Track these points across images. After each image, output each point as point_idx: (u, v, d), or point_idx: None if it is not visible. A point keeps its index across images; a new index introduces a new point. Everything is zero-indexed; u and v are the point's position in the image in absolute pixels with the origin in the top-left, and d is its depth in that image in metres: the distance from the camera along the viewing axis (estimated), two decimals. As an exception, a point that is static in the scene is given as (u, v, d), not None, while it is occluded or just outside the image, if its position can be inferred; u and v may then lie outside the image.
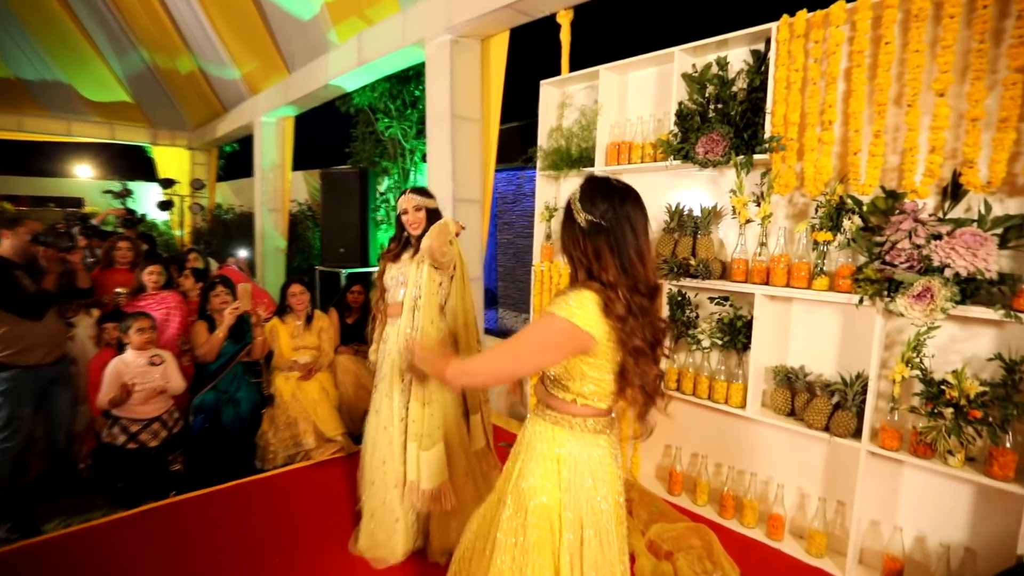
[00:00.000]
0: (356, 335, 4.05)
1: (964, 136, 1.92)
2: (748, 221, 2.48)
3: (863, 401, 2.17)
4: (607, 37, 3.78)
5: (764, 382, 2.57)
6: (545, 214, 3.46)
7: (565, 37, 3.38)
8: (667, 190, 2.91)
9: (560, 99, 3.41)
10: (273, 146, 6.49)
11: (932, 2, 1.96)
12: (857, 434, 2.19)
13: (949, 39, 1.92)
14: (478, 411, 2.36)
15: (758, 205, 2.42)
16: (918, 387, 2.07)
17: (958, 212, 2.01)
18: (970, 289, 1.90)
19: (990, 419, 1.87)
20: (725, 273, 2.63)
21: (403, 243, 2.41)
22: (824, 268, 2.26)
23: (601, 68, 3.03)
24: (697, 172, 2.79)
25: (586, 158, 3.15)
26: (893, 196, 2.10)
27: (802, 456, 2.48)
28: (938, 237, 1.96)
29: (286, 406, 3.37)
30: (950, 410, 1.94)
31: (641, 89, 3.04)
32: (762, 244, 2.44)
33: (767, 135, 2.37)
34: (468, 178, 3.85)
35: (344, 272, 5.28)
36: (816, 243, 2.26)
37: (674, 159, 2.69)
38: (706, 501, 2.72)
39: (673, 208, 2.79)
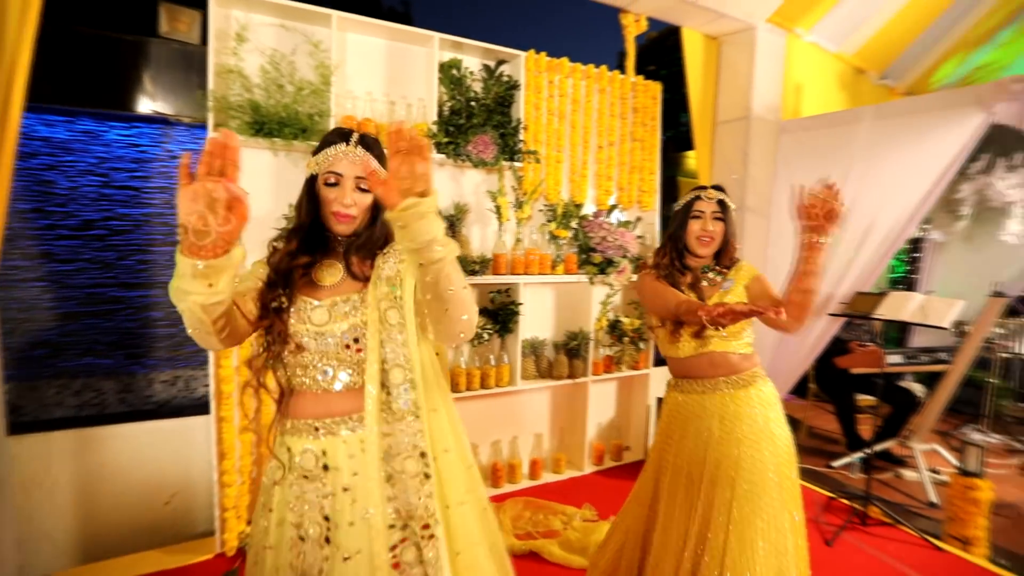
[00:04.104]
0: None
1: (619, 173, 3.15)
2: (507, 220, 2.81)
3: (586, 348, 3.11)
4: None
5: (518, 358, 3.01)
6: (226, 200, 2.22)
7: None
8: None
9: (226, 26, 2.23)
10: None
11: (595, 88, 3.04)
12: (585, 372, 3.11)
13: (614, 112, 3.06)
14: None
15: (519, 207, 2.80)
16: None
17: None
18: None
19: (639, 341, 3.27)
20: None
21: (314, 245, 1.11)
22: (561, 257, 2.98)
23: (335, 13, 2.31)
24: (436, 168, 2.75)
25: (315, 128, 2.32)
26: (576, 206, 3.10)
27: (539, 405, 3.16)
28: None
29: None
30: (626, 339, 3.21)
31: (365, 60, 2.55)
32: (518, 240, 2.85)
33: (523, 148, 2.78)
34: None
35: None
36: (555, 238, 2.95)
37: (440, 151, 2.58)
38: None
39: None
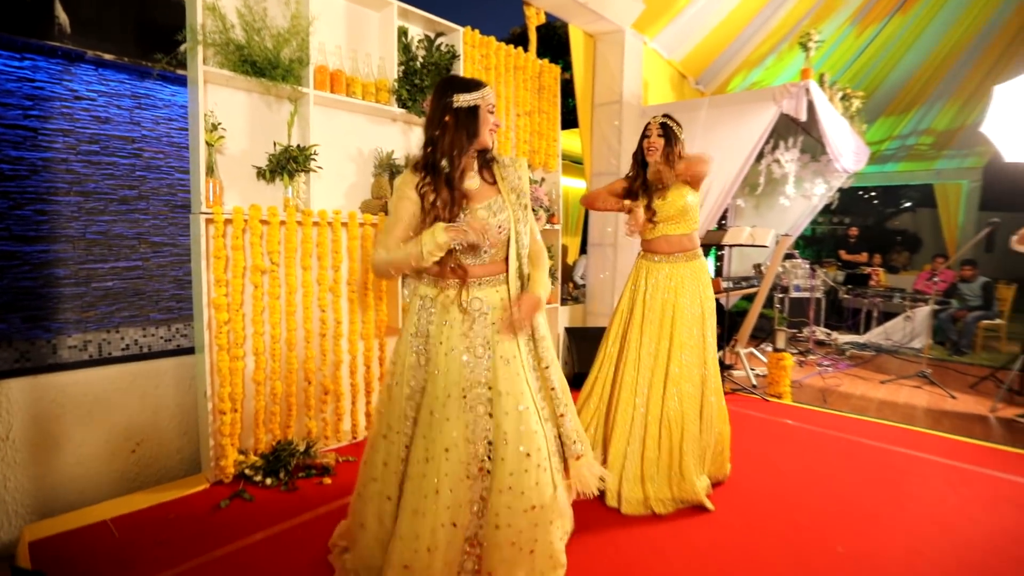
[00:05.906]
0: None
1: (532, 139, 3.75)
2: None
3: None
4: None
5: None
6: (213, 135, 2.27)
7: None
8: (361, 133, 2.93)
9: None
10: None
11: (515, 68, 3.61)
12: (513, 307, 3.66)
13: (528, 88, 3.65)
14: None
15: (462, 161, 3.23)
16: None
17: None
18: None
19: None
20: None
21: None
22: (493, 207, 3.48)
23: (310, -31, 2.49)
24: (390, 122, 3.05)
25: (294, 72, 2.46)
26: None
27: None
28: (529, 190, 3.73)
29: None
30: (543, 278, 3.84)
31: (326, 17, 2.73)
32: (461, 190, 3.28)
33: (465, 109, 3.21)
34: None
35: None
36: (489, 191, 3.44)
37: (401, 107, 2.90)
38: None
39: (383, 154, 2.95)
